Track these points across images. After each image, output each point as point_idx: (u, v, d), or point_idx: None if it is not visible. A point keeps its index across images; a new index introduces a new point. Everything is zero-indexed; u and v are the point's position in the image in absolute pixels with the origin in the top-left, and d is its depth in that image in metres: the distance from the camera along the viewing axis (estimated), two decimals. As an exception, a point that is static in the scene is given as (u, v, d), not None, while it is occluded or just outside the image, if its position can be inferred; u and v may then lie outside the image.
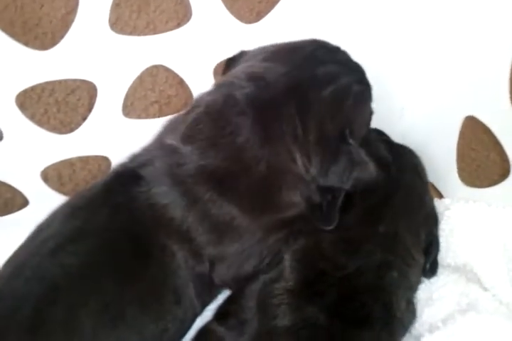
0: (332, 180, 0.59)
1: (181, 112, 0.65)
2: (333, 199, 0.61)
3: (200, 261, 0.60)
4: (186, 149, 0.59)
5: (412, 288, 0.63)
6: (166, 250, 0.58)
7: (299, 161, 0.59)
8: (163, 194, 0.59)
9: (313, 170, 0.59)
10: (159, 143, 0.63)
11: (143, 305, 0.57)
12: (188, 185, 0.59)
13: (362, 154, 0.61)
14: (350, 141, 0.60)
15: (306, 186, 0.60)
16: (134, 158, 0.64)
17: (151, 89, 0.74)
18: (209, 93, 0.63)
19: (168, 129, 0.64)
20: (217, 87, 0.63)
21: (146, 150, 0.64)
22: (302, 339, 0.55)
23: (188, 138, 0.60)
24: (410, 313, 0.62)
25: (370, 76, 0.64)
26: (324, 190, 0.61)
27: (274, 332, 0.56)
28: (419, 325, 0.62)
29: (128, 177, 0.61)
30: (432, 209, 0.70)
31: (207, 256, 0.60)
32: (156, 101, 0.75)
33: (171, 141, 0.61)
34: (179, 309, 0.59)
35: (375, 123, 0.67)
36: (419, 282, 0.65)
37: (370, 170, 0.61)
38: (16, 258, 0.59)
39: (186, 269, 0.59)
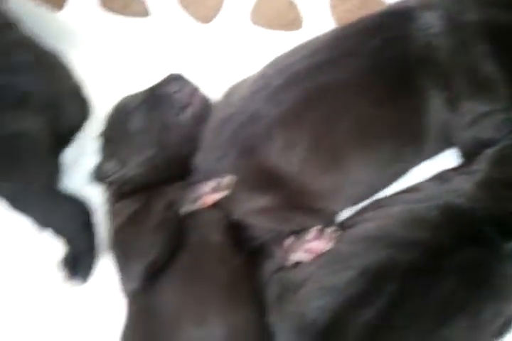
0: None
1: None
2: None
3: (452, 112, 0.62)
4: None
5: None
6: (424, 92, 0.61)
7: None
8: (439, 36, 0.61)
9: None
10: None
11: (390, 131, 0.61)
12: (467, 33, 0.60)
13: None
14: None
15: None
16: None
17: None
18: None
19: None
20: None
21: None
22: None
23: None
24: None
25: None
26: None
27: (501, 182, 0.59)
28: None
29: (405, 14, 0.63)
30: None
31: (459, 109, 0.61)
32: None
33: None
34: (417, 146, 0.63)
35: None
36: None
37: None
38: (278, 64, 0.65)
39: (437, 115, 0.61)
